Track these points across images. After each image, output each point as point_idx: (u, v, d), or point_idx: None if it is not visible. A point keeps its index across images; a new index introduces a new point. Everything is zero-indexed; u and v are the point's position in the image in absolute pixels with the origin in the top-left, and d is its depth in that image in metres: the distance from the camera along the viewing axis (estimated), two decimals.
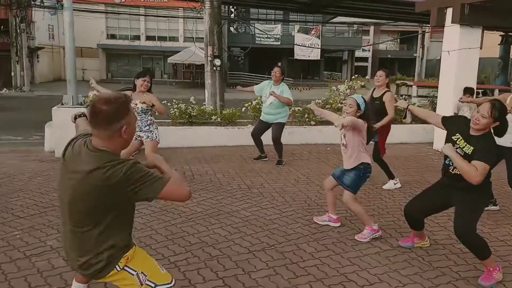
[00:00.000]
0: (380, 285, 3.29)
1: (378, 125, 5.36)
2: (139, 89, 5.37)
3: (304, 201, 5.25)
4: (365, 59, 50.09)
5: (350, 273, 3.47)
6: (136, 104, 5.31)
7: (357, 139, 4.09)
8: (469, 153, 3.26)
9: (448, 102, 8.26)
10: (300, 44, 33.03)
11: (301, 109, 9.25)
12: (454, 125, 3.53)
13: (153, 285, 2.22)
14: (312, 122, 9.16)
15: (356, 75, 11.72)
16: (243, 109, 9.28)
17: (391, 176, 5.92)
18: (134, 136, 5.48)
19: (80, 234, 2.11)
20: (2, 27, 27.85)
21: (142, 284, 2.20)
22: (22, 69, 27.55)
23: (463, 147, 3.32)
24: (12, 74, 27.94)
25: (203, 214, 4.74)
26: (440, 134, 7.91)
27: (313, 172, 6.64)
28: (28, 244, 3.83)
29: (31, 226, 4.25)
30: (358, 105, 4.05)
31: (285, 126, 7.23)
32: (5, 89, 26.67)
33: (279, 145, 7.03)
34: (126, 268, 2.19)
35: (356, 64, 45.13)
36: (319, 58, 38.33)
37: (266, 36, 35.25)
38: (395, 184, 5.88)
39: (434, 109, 9.47)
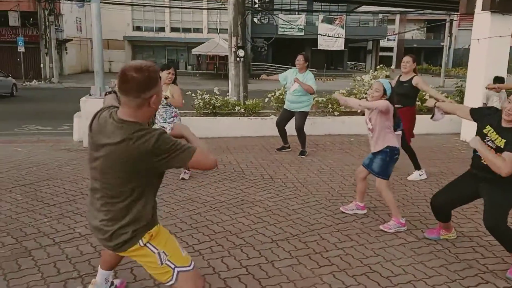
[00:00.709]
0: (405, 277, 3.25)
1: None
2: (164, 82, 5.43)
3: (328, 192, 5.22)
4: (390, 49, 49.22)
5: (374, 264, 3.45)
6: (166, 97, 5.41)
7: (383, 122, 4.05)
8: (502, 146, 3.14)
9: (477, 93, 8.05)
10: (324, 34, 32.61)
11: (324, 99, 9.17)
12: (484, 116, 3.41)
13: (172, 266, 2.22)
14: (336, 113, 9.08)
15: (381, 65, 11.53)
16: (266, 99, 9.26)
17: (417, 167, 5.82)
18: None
19: (110, 205, 2.15)
20: (31, 20, 28.54)
21: (162, 264, 2.20)
22: (51, 61, 28.21)
23: (495, 140, 3.21)
24: (42, 66, 28.66)
25: (226, 203, 4.77)
26: (467, 125, 7.73)
27: (336, 163, 6.60)
28: (58, 231, 3.94)
29: (60, 213, 4.37)
30: (384, 89, 4.01)
31: (308, 117, 7.19)
32: (34, 80, 27.37)
33: (303, 134, 7.00)
34: (148, 245, 2.20)
35: (380, 54, 44.41)
36: (343, 48, 37.78)
37: (289, 26, 34.98)
38: (420, 175, 5.78)
39: (462, 100, 9.25)
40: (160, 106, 5.44)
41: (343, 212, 4.50)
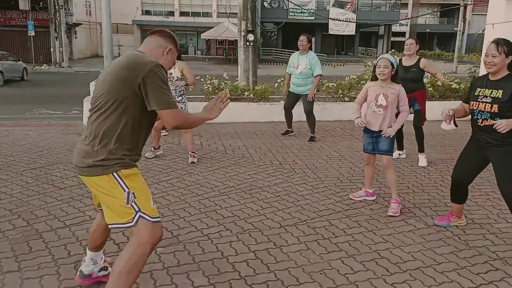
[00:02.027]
0: (414, 263, 3.24)
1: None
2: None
3: (337, 178, 5.20)
4: (402, 34, 48.43)
5: (383, 250, 3.44)
6: (171, 73, 5.44)
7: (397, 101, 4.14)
8: (500, 96, 3.23)
9: None
10: (335, 19, 32.21)
11: (334, 85, 9.09)
12: (472, 87, 3.51)
13: (136, 209, 2.24)
14: (346, 98, 9.00)
15: (393, 50, 11.37)
16: (276, 85, 9.20)
17: (421, 150, 5.80)
18: None
19: (95, 122, 2.28)
20: (41, 3, 28.53)
21: (128, 203, 2.22)
22: (61, 45, 28.28)
23: (490, 94, 3.29)
24: (51, 50, 28.73)
25: (235, 188, 4.78)
26: None
27: (345, 149, 6.56)
28: (68, 214, 3.98)
29: (70, 196, 4.41)
30: (391, 63, 4.03)
31: (318, 102, 7.15)
32: (44, 64, 27.51)
33: (312, 117, 6.96)
34: (120, 181, 2.24)
35: (392, 39, 43.76)
36: (354, 33, 37.38)
37: (300, 10, 34.60)
38: (425, 158, 5.77)
39: None
40: (169, 84, 5.51)
41: (352, 199, 4.49)
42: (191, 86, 6.01)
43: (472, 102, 3.44)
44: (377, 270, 3.13)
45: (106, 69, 2.40)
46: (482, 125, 3.37)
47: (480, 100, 3.35)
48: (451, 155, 6.29)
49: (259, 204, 4.35)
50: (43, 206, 4.16)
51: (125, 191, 2.23)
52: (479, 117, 3.39)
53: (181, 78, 5.69)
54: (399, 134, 5.80)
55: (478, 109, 3.37)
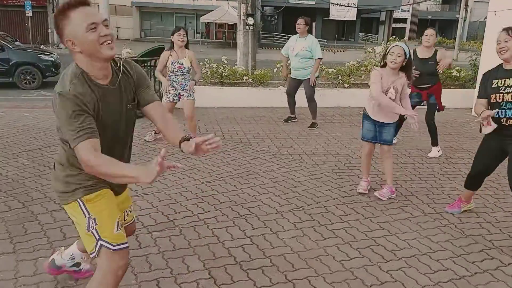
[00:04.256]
0: (409, 251, 3.24)
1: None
2: (177, 45, 5.49)
3: (334, 165, 5.19)
4: (403, 20, 48.15)
5: (379, 237, 3.44)
6: (182, 64, 5.42)
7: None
8: None
9: (492, 67, 7.83)
10: (336, 4, 31.87)
11: (334, 70, 9.02)
12: (486, 81, 3.41)
13: (97, 237, 1.99)
14: (346, 85, 8.94)
15: (393, 36, 11.26)
16: (275, 70, 9.12)
17: (435, 143, 5.68)
18: (171, 97, 5.62)
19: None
20: None
21: (88, 230, 2.00)
22: None
23: (511, 84, 3.21)
24: (49, 31, 28.41)
25: (232, 174, 4.76)
26: None
27: (344, 135, 6.53)
28: None
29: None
30: (405, 52, 3.91)
31: (317, 88, 7.09)
32: (42, 45, 27.20)
33: (313, 103, 6.92)
34: (82, 204, 2.03)
35: (393, 25, 43.43)
36: (355, 18, 37.01)
37: None
38: (438, 151, 5.66)
39: (476, 74, 9.04)
40: (179, 73, 5.46)
41: (351, 187, 4.47)
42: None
43: (494, 95, 3.30)
44: (372, 257, 3.14)
45: None
46: (507, 124, 3.27)
47: (504, 91, 3.23)
48: (449, 143, 6.28)
49: (256, 189, 4.34)
50: (38, 188, 4.14)
51: (85, 216, 2.02)
52: (501, 116, 3.27)
53: (190, 69, 5.60)
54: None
55: (505, 100, 3.23)
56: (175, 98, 5.63)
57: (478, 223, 3.75)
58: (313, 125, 6.93)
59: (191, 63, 5.56)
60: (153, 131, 5.88)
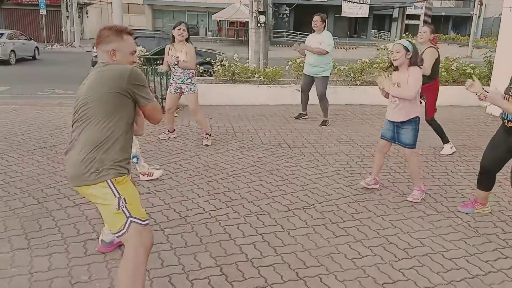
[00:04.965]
0: (422, 249, 3.22)
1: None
2: (177, 39, 5.51)
3: (346, 162, 5.16)
4: (416, 17, 47.51)
5: (391, 235, 3.42)
6: (178, 57, 5.41)
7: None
8: None
9: (507, 65, 7.72)
10: (349, 0, 31.65)
11: (346, 68, 8.96)
12: None
13: (127, 214, 2.27)
14: (358, 82, 8.88)
15: (407, 33, 11.14)
16: (287, 67, 9.10)
17: (445, 140, 5.63)
18: (173, 89, 5.65)
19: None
20: None
21: (119, 208, 2.26)
22: (72, 25, 28.25)
23: None
24: (63, 29, 28.72)
25: (243, 171, 4.77)
26: None
27: (356, 133, 6.50)
28: (77, 193, 3.98)
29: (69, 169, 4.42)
30: (405, 47, 3.85)
31: (329, 86, 7.06)
32: (56, 44, 27.53)
33: (325, 101, 6.90)
34: (112, 186, 2.26)
35: (406, 22, 42.95)
36: (367, 15, 36.67)
37: None
38: (451, 148, 5.60)
39: (490, 71, 8.92)
40: (177, 67, 5.47)
41: (366, 186, 4.41)
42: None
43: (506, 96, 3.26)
44: (384, 255, 3.12)
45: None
46: (508, 126, 3.27)
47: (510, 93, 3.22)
48: (463, 141, 6.21)
49: (267, 187, 4.34)
50: (53, 185, 4.19)
51: (116, 196, 2.26)
52: (505, 118, 3.27)
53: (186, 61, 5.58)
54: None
55: None
56: (176, 91, 5.65)
57: (492, 221, 3.71)
58: (324, 123, 6.91)
59: (186, 55, 5.50)
60: (167, 130, 5.92)
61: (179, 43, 5.51)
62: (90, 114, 2.24)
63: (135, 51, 2.50)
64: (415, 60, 3.90)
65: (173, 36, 5.57)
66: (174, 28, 5.56)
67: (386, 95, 4.07)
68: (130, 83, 2.25)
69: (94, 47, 2.76)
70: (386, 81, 3.95)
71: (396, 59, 3.88)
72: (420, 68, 3.94)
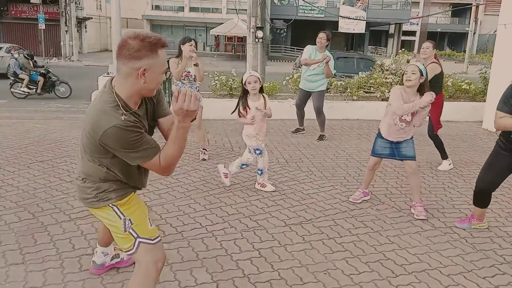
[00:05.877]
0: (419, 265, 3.20)
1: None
2: (188, 54, 5.40)
3: (343, 177, 5.16)
4: (412, 33, 48.10)
5: (389, 251, 3.40)
6: (190, 72, 5.41)
7: (421, 112, 3.91)
8: None
9: (503, 81, 7.78)
10: (345, 17, 31.99)
11: (343, 83, 9.03)
12: None
13: (135, 236, 2.19)
14: (354, 97, 8.94)
15: (403, 49, 11.27)
16: (284, 82, 9.15)
17: (445, 156, 5.64)
18: None
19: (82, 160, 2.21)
20: None
21: (125, 231, 2.19)
22: (71, 39, 28.42)
23: None
24: (62, 43, 28.87)
25: (240, 186, 4.76)
26: (491, 113, 7.52)
27: (353, 148, 6.51)
28: (73, 208, 3.98)
29: (76, 190, 4.41)
30: (420, 71, 3.84)
31: (326, 100, 7.10)
32: (55, 58, 27.64)
33: (322, 115, 6.92)
34: (116, 209, 2.21)
35: (402, 38, 43.42)
36: (364, 31, 37.06)
37: (310, 8, 34.38)
38: (449, 164, 5.61)
39: (485, 87, 8.99)
40: (186, 81, 5.46)
41: (360, 200, 4.43)
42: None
43: None
44: (382, 271, 3.11)
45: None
46: None
47: None
48: (461, 156, 6.23)
49: (264, 202, 4.33)
50: (49, 199, 4.17)
51: (121, 218, 2.20)
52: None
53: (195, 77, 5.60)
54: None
55: None
56: None
57: (489, 237, 3.70)
58: (321, 138, 6.92)
59: (200, 72, 5.53)
60: (203, 149, 5.76)
61: (189, 58, 5.42)
62: (85, 146, 2.10)
63: (166, 68, 2.08)
64: (423, 86, 3.88)
65: (180, 50, 5.48)
66: (184, 43, 5.45)
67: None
68: (104, 143, 1.95)
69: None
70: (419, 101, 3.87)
71: (410, 80, 3.85)
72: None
